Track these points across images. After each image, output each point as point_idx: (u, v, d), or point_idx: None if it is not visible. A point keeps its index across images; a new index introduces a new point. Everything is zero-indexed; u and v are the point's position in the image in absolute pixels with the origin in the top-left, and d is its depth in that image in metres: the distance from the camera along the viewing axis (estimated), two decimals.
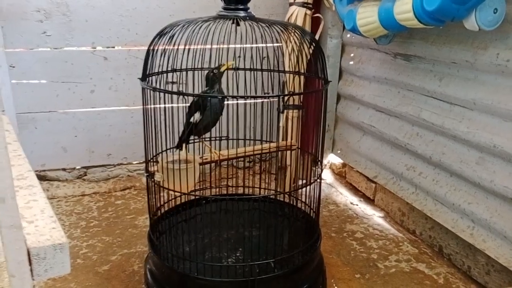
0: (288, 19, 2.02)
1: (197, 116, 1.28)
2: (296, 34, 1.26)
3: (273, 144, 1.45)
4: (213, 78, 1.23)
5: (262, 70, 1.37)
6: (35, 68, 1.90)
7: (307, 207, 1.47)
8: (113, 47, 2.00)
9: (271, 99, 1.10)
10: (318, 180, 1.37)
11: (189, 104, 1.33)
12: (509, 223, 1.33)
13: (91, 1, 1.89)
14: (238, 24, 1.24)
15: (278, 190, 1.43)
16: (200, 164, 1.28)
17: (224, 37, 1.29)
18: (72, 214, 1.88)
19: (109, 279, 1.47)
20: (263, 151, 1.40)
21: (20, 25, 1.83)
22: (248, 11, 1.24)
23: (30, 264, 0.87)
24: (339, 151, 2.28)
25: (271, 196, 1.53)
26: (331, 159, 2.35)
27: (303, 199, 1.51)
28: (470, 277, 1.50)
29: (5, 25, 1.80)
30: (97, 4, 1.90)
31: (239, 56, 1.54)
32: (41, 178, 2.06)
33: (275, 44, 1.31)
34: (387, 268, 1.55)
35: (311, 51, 1.30)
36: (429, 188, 1.65)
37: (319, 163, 1.41)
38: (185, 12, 2.01)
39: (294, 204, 1.55)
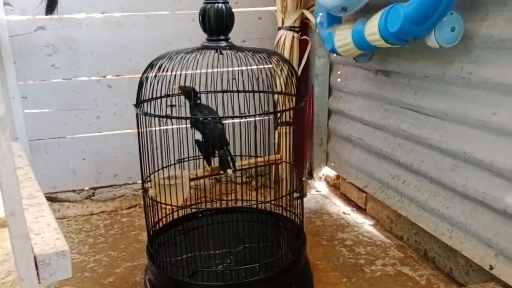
0: (277, 42, 2.17)
1: (197, 135, 1.41)
2: (274, 60, 1.39)
3: (260, 159, 1.57)
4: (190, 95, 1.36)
5: (236, 91, 1.51)
6: (45, 98, 2.07)
7: (293, 215, 1.57)
8: (117, 76, 2.16)
9: (256, 118, 1.22)
10: (299, 189, 1.47)
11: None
12: (482, 224, 1.42)
13: (95, 33, 2.07)
14: (220, 53, 1.38)
15: (260, 200, 1.54)
16: (191, 179, 1.41)
17: (210, 62, 1.43)
18: (81, 232, 2.02)
19: None
20: (251, 166, 1.52)
21: (31, 59, 2.01)
22: (229, 41, 1.38)
23: (37, 269, 1.00)
24: (332, 164, 2.39)
25: (256, 206, 1.63)
26: (326, 171, 2.46)
27: (293, 209, 1.62)
28: (452, 278, 1.58)
29: (17, 60, 1.98)
30: (100, 36, 2.08)
31: (234, 78, 1.68)
32: (52, 199, 2.21)
33: (265, 66, 1.44)
34: (373, 272, 1.64)
35: (286, 74, 1.43)
36: (412, 195, 1.74)
37: (300, 172, 1.51)
38: (182, 40, 2.17)
39: (282, 213, 1.66)
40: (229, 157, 1.39)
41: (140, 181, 2.31)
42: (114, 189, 2.30)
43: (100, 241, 1.94)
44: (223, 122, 1.46)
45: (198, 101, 1.43)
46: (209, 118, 1.39)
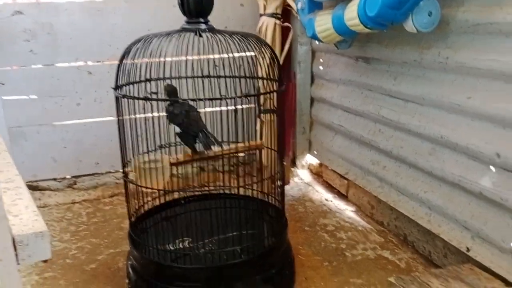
0: (259, 29, 2.17)
1: (176, 129, 1.41)
2: (252, 43, 1.39)
3: (241, 145, 1.57)
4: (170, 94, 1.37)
5: (217, 76, 1.51)
6: (23, 85, 2.04)
7: (274, 200, 1.59)
8: (97, 62, 2.14)
9: (228, 101, 1.22)
10: (279, 174, 1.48)
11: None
12: (459, 207, 1.46)
13: (74, 20, 2.03)
14: (200, 36, 1.38)
15: (241, 185, 1.55)
16: (172, 164, 1.41)
17: (190, 48, 1.42)
18: (62, 220, 2.00)
19: (96, 276, 1.58)
20: (232, 152, 1.52)
21: (8, 45, 1.97)
22: (209, 23, 1.37)
23: (15, 250, 1.00)
24: (315, 152, 2.41)
25: (238, 192, 1.64)
26: (309, 159, 2.48)
27: (275, 194, 1.63)
28: (431, 261, 1.62)
29: None
30: (79, 23, 2.05)
31: (216, 66, 1.68)
32: (33, 188, 2.18)
33: (247, 54, 1.44)
34: (354, 256, 1.67)
35: (268, 60, 1.44)
36: (392, 180, 1.77)
37: (279, 157, 1.52)
38: (162, 26, 2.14)
39: (264, 199, 1.67)
40: (210, 137, 1.40)
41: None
42: (96, 177, 2.28)
43: (82, 228, 1.93)
44: (202, 109, 1.47)
45: (178, 101, 1.43)
46: (181, 109, 1.39)
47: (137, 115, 1.37)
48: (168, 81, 1.47)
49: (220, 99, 1.21)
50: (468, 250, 1.43)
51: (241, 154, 2.34)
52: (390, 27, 1.44)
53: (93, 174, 2.27)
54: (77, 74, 2.11)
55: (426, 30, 1.38)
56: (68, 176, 2.24)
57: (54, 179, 2.21)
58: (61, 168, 2.20)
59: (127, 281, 1.45)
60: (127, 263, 1.49)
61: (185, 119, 1.40)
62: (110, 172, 2.29)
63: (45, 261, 1.69)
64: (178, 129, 1.42)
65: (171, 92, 1.39)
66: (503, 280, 1.27)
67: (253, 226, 1.51)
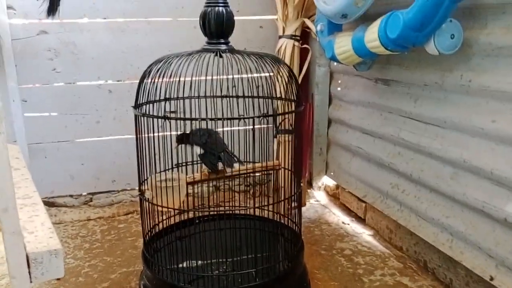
0: (278, 50, 2.18)
1: (197, 150, 1.42)
2: (270, 63, 1.39)
3: (258, 165, 1.56)
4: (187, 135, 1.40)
5: (236, 96, 1.50)
6: (45, 102, 2.07)
7: (291, 222, 1.56)
8: (118, 81, 2.17)
9: (246, 120, 1.21)
10: (295, 195, 1.46)
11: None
12: (482, 234, 1.40)
13: (96, 38, 2.08)
14: (220, 56, 1.39)
15: (257, 206, 1.52)
16: (188, 183, 1.40)
17: (209, 68, 1.43)
18: (77, 237, 2.00)
19: None
20: (248, 171, 1.51)
21: (32, 63, 2.01)
22: (229, 44, 1.38)
23: (29, 267, 0.99)
24: (332, 173, 2.38)
25: (253, 212, 1.62)
26: (325, 181, 2.45)
27: (292, 216, 1.61)
28: None
29: (18, 63, 1.99)
30: (101, 42, 2.09)
31: (234, 86, 1.68)
32: (50, 204, 2.20)
33: (265, 74, 1.44)
34: (372, 282, 1.61)
35: (285, 80, 1.44)
36: (412, 205, 1.73)
37: (296, 178, 1.50)
38: (183, 46, 2.17)
39: (280, 221, 1.64)
40: (231, 156, 1.40)
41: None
42: (112, 194, 2.28)
43: (96, 246, 1.92)
44: (221, 129, 1.47)
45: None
46: (201, 132, 1.41)
47: (155, 133, 1.37)
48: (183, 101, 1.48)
49: (239, 118, 1.21)
50: (491, 279, 1.37)
51: (257, 174, 2.33)
52: (411, 49, 1.42)
53: (109, 192, 2.27)
54: (98, 92, 2.14)
55: (448, 53, 1.36)
56: (84, 193, 2.25)
57: (71, 196, 2.22)
58: (78, 185, 2.21)
59: None
60: (140, 283, 1.47)
61: (208, 139, 1.40)
62: (126, 189, 2.29)
63: (58, 279, 1.68)
64: (199, 151, 1.42)
65: (182, 137, 1.40)
66: None
67: (268, 249, 1.48)
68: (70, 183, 2.20)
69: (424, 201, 1.67)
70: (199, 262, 1.41)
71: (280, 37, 2.18)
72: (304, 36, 2.19)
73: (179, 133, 1.44)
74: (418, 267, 1.71)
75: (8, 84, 1.94)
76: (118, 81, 2.16)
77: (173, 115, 1.47)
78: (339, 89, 2.25)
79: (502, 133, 1.30)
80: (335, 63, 2.24)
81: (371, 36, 1.46)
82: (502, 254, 1.32)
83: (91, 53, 2.09)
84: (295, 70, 2.18)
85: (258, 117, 1.22)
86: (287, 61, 2.12)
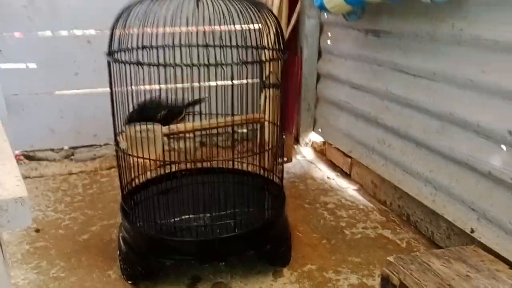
0: (266, 0, 2.08)
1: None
2: (253, 10, 1.31)
3: (238, 117, 1.51)
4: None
5: (219, 46, 1.43)
6: (21, 52, 1.98)
7: (273, 175, 1.53)
8: (96, 31, 2.07)
9: (224, 70, 1.15)
10: (279, 147, 1.42)
11: None
12: (466, 187, 1.39)
13: None
14: (198, 1, 1.30)
15: (238, 157, 1.49)
16: (165, 135, 1.35)
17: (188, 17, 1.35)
18: (58, 191, 1.96)
19: (87, 247, 1.55)
20: (229, 124, 1.46)
21: (5, 10, 1.90)
22: None
23: None
24: (319, 129, 2.34)
25: (239, 168, 1.59)
26: (313, 137, 2.41)
27: (274, 170, 1.57)
28: (433, 242, 1.56)
29: None
30: None
31: (221, 37, 1.59)
32: (30, 158, 2.15)
33: (252, 25, 1.36)
34: (353, 234, 1.61)
35: (273, 29, 1.36)
36: (398, 159, 1.70)
37: (280, 131, 1.46)
38: None
39: (263, 175, 1.61)
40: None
41: None
42: (94, 149, 2.23)
43: (77, 200, 1.89)
44: (201, 82, 1.40)
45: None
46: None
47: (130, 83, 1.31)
48: (161, 51, 1.41)
49: (216, 65, 1.14)
50: (472, 231, 1.36)
51: (244, 130, 2.28)
52: None
53: (91, 146, 2.22)
54: (76, 42, 2.04)
55: (441, 0, 1.29)
56: (65, 147, 2.19)
57: (52, 150, 2.17)
58: (59, 139, 2.16)
59: (118, 252, 1.41)
60: (119, 235, 1.44)
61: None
62: (108, 144, 2.24)
63: (37, 231, 1.66)
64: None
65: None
66: (508, 262, 1.20)
67: (249, 201, 1.46)
68: (50, 136, 2.14)
69: (410, 156, 1.64)
70: (179, 215, 1.38)
71: None
72: None
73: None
74: (400, 220, 1.71)
75: None
76: (97, 30, 2.06)
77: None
78: (329, 42, 2.17)
79: (491, 84, 1.26)
80: (325, 14, 2.15)
81: None
82: (484, 207, 1.31)
83: (67, 1, 1.97)
84: (284, 21, 2.09)
85: (237, 64, 1.15)
86: (274, 11, 2.03)
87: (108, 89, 1.31)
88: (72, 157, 2.21)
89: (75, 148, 2.21)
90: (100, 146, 2.23)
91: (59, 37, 2.02)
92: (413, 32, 1.56)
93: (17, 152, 2.12)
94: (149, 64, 1.19)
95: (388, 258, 1.15)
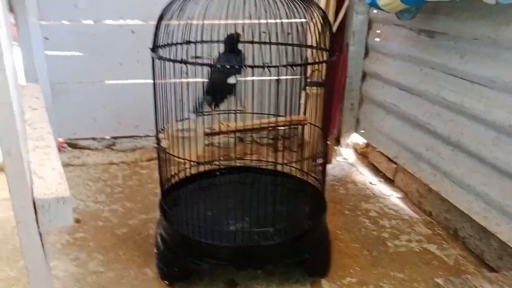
0: None
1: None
2: (302, 6, 1.25)
3: (282, 119, 1.46)
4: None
5: (263, 42, 1.38)
6: (67, 40, 2.01)
7: (314, 180, 1.48)
8: (141, 21, 2.06)
9: (270, 70, 1.10)
10: (321, 152, 1.37)
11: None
12: None
13: None
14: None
15: (281, 162, 1.44)
16: (207, 134, 1.32)
17: (235, 11, 1.31)
18: (99, 181, 1.99)
19: (125, 240, 1.56)
20: (272, 125, 1.42)
21: None
22: None
23: (36, 213, 0.95)
24: (362, 131, 2.25)
25: (279, 170, 1.54)
26: (355, 138, 2.33)
27: (316, 174, 1.52)
28: (482, 261, 1.47)
29: None
30: None
31: (264, 32, 1.55)
32: (73, 146, 2.19)
33: (297, 20, 1.30)
34: (396, 247, 1.54)
35: (319, 27, 1.30)
36: (447, 169, 1.61)
37: (326, 136, 1.40)
38: None
39: (304, 178, 1.56)
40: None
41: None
42: (135, 140, 2.25)
43: (117, 191, 1.91)
44: (244, 78, 1.36)
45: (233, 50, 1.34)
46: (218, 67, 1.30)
47: (176, 80, 1.28)
48: (207, 45, 1.38)
49: (263, 67, 1.09)
50: None
51: (285, 128, 2.23)
52: None
53: (132, 137, 2.24)
54: (120, 32, 2.05)
55: (508, 2, 1.18)
56: (107, 137, 2.22)
57: (94, 139, 2.21)
58: (100, 128, 2.19)
59: (155, 250, 1.41)
60: (157, 231, 1.44)
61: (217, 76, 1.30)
62: (149, 135, 2.25)
63: (77, 221, 1.68)
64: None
65: (229, 38, 1.29)
66: None
67: (289, 206, 1.42)
68: (93, 125, 2.17)
69: (460, 166, 1.54)
70: (217, 217, 1.36)
71: None
72: None
73: (200, 80, 1.35)
74: (447, 235, 1.62)
75: (28, 20, 1.86)
76: (142, 21, 2.05)
77: (198, 61, 1.38)
78: (377, 39, 2.08)
79: None
80: (375, 10, 2.05)
81: None
82: None
83: None
84: (330, 17, 2.01)
85: (284, 66, 1.10)
86: (322, 6, 1.95)
87: (151, 80, 1.30)
88: (113, 147, 2.24)
89: (116, 138, 2.23)
90: (141, 137, 2.24)
91: (104, 26, 2.03)
92: (472, 35, 1.46)
93: (60, 139, 2.17)
94: (193, 64, 1.16)
95: (436, 279, 1.08)
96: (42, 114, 1.48)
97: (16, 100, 1.00)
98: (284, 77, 1.16)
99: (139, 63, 2.11)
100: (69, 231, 1.59)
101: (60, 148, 2.16)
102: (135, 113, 2.19)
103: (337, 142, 2.34)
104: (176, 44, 1.34)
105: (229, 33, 1.32)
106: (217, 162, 1.51)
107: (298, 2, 1.28)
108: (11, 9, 1.80)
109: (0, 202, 1.65)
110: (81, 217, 1.69)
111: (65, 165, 2.12)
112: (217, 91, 1.31)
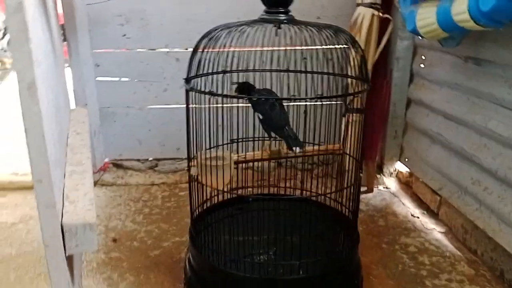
0: (355, 20, 1.98)
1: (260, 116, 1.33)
2: (329, 34, 1.24)
3: (315, 148, 1.43)
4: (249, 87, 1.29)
5: (299, 71, 1.38)
6: (116, 67, 2.11)
7: (347, 211, 1.43)
8: (185, 49, 2.13)
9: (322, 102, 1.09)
10: (357, 183, 1.32)
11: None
12: None
13: (164, 7, 2.05)
14: (279, 27, 1.26)
15: (317, 192, 1.41)
16: (236, 162, 1.32)
17: (267, 40, 1.32)
18: (139, 201, 2.05)
19: (157, 264, 1.58)
20: (305, 154, 1.39)
21: (104, 28, 2.05)
22: (289, 14, 1.25)
23: (63, 238, 0.99)
24: (406, 159, 2.17)
25: (313, 198, 1.51)
26: (398, 167, 2.24)
27: (349, 204, 1.47)
28: None
29: (92, 28, 2.03)
30: (169, 9, 2.05)
31: (305, 58, 1.55)
32: (118, 166, 2.28)
33: (337, 46, 1.29)
34: (435, 287, 1.44)
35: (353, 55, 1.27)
36: (494, 206, 1.50)
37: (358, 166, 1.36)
38: (252, 15, 2.07)
39: (339, 209, 1.52)
40: (291, 135, 1.27)
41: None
42: (177, 162, 2.31)
43: (155, 212, 1.96)
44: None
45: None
46: (262, 99, 1.30)
47: (207, 105, 1.31)
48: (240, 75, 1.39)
49: (290, 99, 1.09)
50: None
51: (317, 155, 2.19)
52: (508, 24, 1.18)
53: (173, 159, 2.30)
54: (166, 59, 2.13)
55: None
56: (150, 158, 2.30)
57: (138, 160, 2.29)
58: (145, 150, 2.27)
59: (183, 275, 1.42)
60: (186, 256, 1.45)
61: (269, 110, 1.29)
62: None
63: (114, 240, 1.73)
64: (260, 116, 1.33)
65: (242, 88, 1.30)
66: None
67: (318, 238, 1.38)
68: (137, 147, 2.26)
69: (509, 204, 1.43)
70: (243, 246, 1.35)
71: (357, 4, 1.97)
72: (385, 4, 1.96)
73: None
74: (492, 276, 1.50)
75: (80, 49, 1.99)
76: (185, 49, 2.13)
77: (234, 86, 1.40)
78: (422, 66, 2.01)
79: None
80: (419, 37, 1.98)
81: (460, 7, 1.23)
82: None
83: (160, 20, 2.06)
84: (373, 42, 1.97)
85: (311, 99, 1.09)
86: (363, 32, 1.92)
87: (193, 105, 1.34)
88: (156, 168, 2.31)
89: (159, 160, 2.30)
90: (182, 159, 2.30)
91: (150, 54, 2.12)
92: None
93: (106, 160, 2.27)
94: (223, 96, 1.17)
95: None
96: (85, 139, 1.56)
97: (52, 128, 1.07)
98: (323, 103, 1.14)
99: (182, 89, 2.15)
100: (105, 250, 1.65)
101: (106, 168, 2.26)
102: (177, 136, 2.24)
103: (380, 170, 2.26)
104: (211, 74, 1.36)
105: (238, 84, 1.34)
106: (239, 193, 1.50)
107: (333, 35, 1.27)
108: (64, 39, 1.94)
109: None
110: (118, 236, 1.74)
111: (110, 184, 2.21)
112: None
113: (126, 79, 2.15)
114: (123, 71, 2.12)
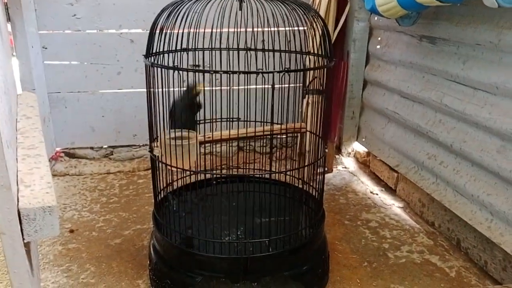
0: (313, 1, 1.98)
1: None
2: (299, 13, 1.23)
3: (278, 126, 1.43)
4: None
5: (261, 50, 1.36)
6: (65, 50, 1.99)
7: (312, 189, 1.44)
8: (139, 30, 2.05)
9: (265, 76, 1.07)
10: (321, 161, 1.33)
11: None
12: None
13: None
14: (241, 2, 1.23)
15: (278, 170, 1.41)
16: (201, 142, 1.29)
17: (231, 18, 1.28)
18: (95, 190, 1.96)
19: (119, 252, 1.52)
20: (268, 133, 1.38)
21: (52, 8, 1.92)
22: None
23: (21, 224, 0.92)
24: (363, 139, 2.22)
25: (270, 176, 1.50)
26: (356, 147, 2.29)
27: (314, 183, 1.48)
28: (486, 273, 1.42)
29: (38, 8, 1.90)
30: None
31: (263, 40, 1.52)
32: (70, 155, 2.17)
33: (297, 28, 1.28)
34: (397, 258, 1.49)
35: (319, 33, 1.27)
36: (449, 178, 1.56)
37: (322, 143, 1.36)
38: None
39: (303, 187, 1.52)
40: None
41: None
42: (133, 149, 2.23)
43: (113, 200, 1.88)
44: (237, 86, 1.34)
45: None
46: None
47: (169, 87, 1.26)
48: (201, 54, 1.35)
49: (257, 73, 1.07)
50: None
51: (283, 136, 2.20)
52: (465, 0, 1.22)
53: (130, 146, 2.21)
54: (119, 41, 2.03)
55: (510, 5, 1.15)
56: (105, 146, 2.20)
57: (91, 148, 2.18)
58: (99, 138, 2.16)
59: (148, 262, 1.37)
60: (150, 243, 1.41)
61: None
62: (147, 144, 2.22)
63: (71, 231, 1.64)
64: None
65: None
66: None
67: (285, 216, 1.38)
68: (90, 135, 2.15)
69: (464, 175, 1.50)
70: (211, 228, 1.32)
71: None
72: None
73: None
74: (450, 245, 1.57)
75: (26, 29, 1.85)
76: (140, 30, 2.04)
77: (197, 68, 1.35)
78: (378, 46, 2.05)
79: None
80: (376, 17, 2.03)
81: None
82: None
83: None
84: (331, 24, 1.99)
85: (279, 72, 1.07)
86: (321, 13, 1.93)
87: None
88: (111, 156, 2.22)
89: (114, 147, 2.21)
90: (139, 146, 2.22)
91: (102, 36, 2.02)
92: (474, 40, 1.42)
93: (58, 149, 2.15)
94: (187, 70, 1.13)
95: None
96: (36, 123, 1.45)
97: (3, 106, 0.98)
98: (282, 86, 1.13)
99: (138, 72, 2.09)
100: (62, 241, 1.56)
101: (57, 158, 2.14)
102: (134, 123, 2.17)
103: (338, 150, 2.30)
104: (172, 51, 1.31)
105: (190, 84, 1.32)
106: (208, 173, 1.48)
107: (298, 10, 1.26)
108: (8, 19, 1.80)
109: None
110: (75, 227, 1.66)
111: (62, 174, 2.10)
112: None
113: (77, 62, 2.03)
114: (73, 54, 2.01)
